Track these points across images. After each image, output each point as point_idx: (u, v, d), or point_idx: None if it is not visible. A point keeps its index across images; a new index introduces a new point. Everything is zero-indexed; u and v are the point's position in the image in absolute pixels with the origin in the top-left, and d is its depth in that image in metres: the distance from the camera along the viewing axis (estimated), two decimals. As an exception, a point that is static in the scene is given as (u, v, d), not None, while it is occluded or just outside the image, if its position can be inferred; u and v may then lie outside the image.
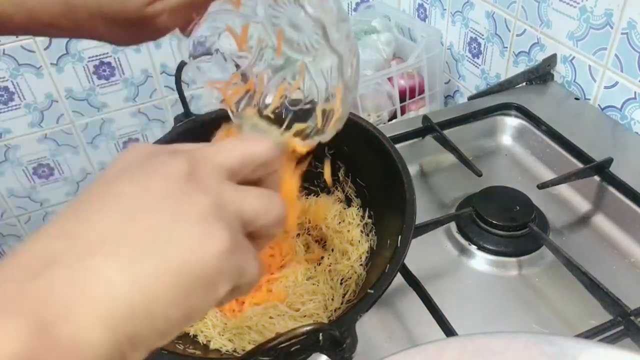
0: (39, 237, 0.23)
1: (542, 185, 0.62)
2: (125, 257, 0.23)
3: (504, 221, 0.58)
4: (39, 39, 0.98)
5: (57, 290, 0.21)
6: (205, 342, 0.47)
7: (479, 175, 0.64)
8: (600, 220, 0.62)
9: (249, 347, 0.45)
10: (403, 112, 1.05)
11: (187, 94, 1.15)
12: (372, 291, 0.39)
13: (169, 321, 0.23)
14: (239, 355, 0.45)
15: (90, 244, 0.23)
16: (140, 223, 0.24)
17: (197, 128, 0.57)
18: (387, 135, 0.71)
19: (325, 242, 0.56)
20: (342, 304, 0.49)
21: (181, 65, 0.55)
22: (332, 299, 0.49)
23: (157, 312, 0.23)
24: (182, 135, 0.56)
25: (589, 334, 0.47)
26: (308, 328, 0.33)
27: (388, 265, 0.41)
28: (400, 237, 0.43)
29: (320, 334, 0.35)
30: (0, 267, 0.22)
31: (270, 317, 0.47)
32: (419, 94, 1.04)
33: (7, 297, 0.21)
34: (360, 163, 0.56)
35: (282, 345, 0.32)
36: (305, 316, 0.48)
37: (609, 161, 0.63)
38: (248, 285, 0.27)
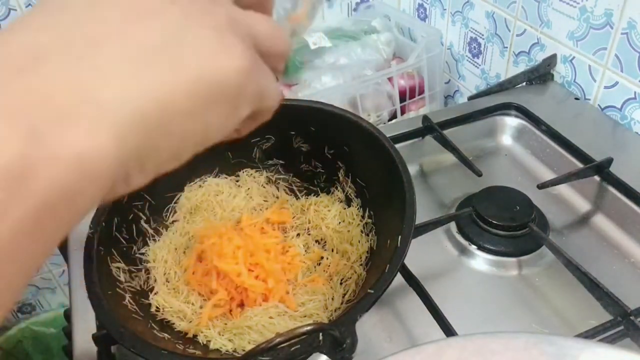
0: (14, 28, 0.19)
1: (542, 185, 0.62)
2: (134, 59, 0.19)
3: (504, 221, 0.58)
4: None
5: (50, 89, 0.17)
6: (205, 342, 0.47)
7: (479, 175, 0.64)
8: (600, 220, 0.62)
9: (249, 347, 0.45)
10: (403, 112, 1.05)
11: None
12: (372, 291, 0.39)
13: (185, 136, 0.20)
14: (239, 355, 0.45)
15: (89, 41, 0.19)
16: (150, 25, 0.20)
17: None
18: (387, 136, 0.72)
19: (325, 242, 0.56)
20: (342, 304, 0.49)
21: None
22: (332, 299, 0.49)
23: (172, 123, 0.20)
24: None
25: (589, 334, 0.47)
26: (308, 328, 0.33)
27: (388, 265, 0.41)
28: (400, 237, 0.43)
29: (321, 334, 0.35)
30: None
31: (270, 317, 0.47)
32: (419, 94, 1.04)
33: None
34: (360, 163, 0.56)
35: (282, 345, 0.32)
36: (305, 316, 0.48)
37: (609, 161, 0.63)
38: (267, 110, 0.25)
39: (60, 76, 0.17)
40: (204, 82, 0.20)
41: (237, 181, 0.61)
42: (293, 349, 0.35)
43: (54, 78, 0.17)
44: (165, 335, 0.44)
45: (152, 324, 0.45)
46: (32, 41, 0.18)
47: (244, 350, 0.45)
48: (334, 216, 0.56)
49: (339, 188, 0.59)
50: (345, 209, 0.57)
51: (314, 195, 0.60)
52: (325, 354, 0.35)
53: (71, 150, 0.17)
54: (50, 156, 0.17)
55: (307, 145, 0.60)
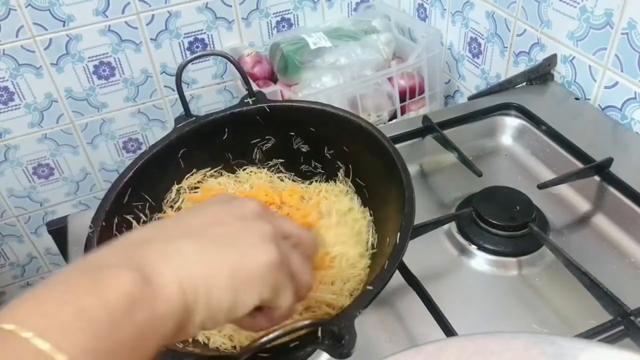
0: (138, 230, 0.33)
1: (542, 185, 0.62)
2: (201, 246, 0.31)
3: (504, 221, 0.58)
4: (39, 38, 0.99)
5: (152, 257, 0.29)
6: (205, 341, 0.47)
7: (479, 175, 0.64)
8: (601, 220, 0.62)
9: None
10: (403, 112, 1.05)
11: (186, 93, 1.15)
12: (370, 287, 0.39)
13: (220, 304, 0.30)
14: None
15: (178, 234, 0.32)
16: (219, 229, 0.33)
17: (197, 129, 0.57)
18: (387, 136, 0.72)
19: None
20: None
21: (182, 66, 0.55)
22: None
23: (213, 291, 0.30)
24: (184, 136, 0.56)
25: (589, 334, 0.47)
26: (306, 322, 0.33)
27: (387, 262, 0.41)
28: (399, 234, 0.43)
29: (319, 330, 0.35)
30: (106, 246, 0.30)
31: None
32: (419, 94, 1.04)
33: (118, 259, 0.29)
34: (360, 163, 0.56)
35: (280, 340, 0.32)
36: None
37: (609, 161, 0.63)
38: (278, 311, 0.34)
39: (158, 251, 0.30)
40: (239, 269, 0.31)
41: (237, 178, 0.61)
42: (292, 345, 0.35)
43: (154, 252, 0.30)
44: None
45: None
46: (145, 234, 0.32)
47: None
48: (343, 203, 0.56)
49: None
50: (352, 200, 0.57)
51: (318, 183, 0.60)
52: (324, 350, 0.35)
53: (161, 293, 0.28)
54: (152, 295, 0.28)
55: (307, 145, 0.60)
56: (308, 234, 0.38)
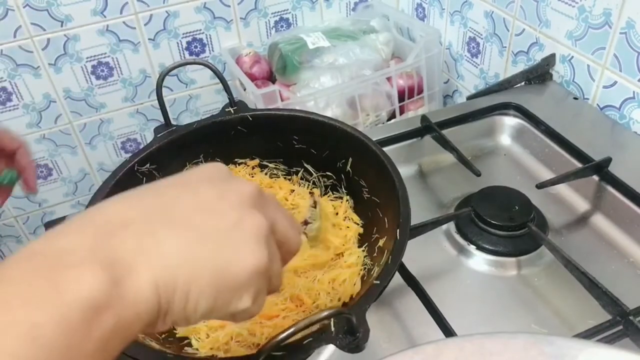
0: (116, 202, 0.28)
1: (541, 185, 0.62)
2: (186, 240, 0.27)
3: (502, 221, 0.58)
4: (36, 38, 0.98)
5: (126, 252, 0.25)
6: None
7: (478, 175, 0.64)
8: (599, 220, 0.62)
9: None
10: (402, 112, 1.05)
11: (185, 93, 1.15)
12: (377, 282, 0.39)
13: (196, 308, 0.27)
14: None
15: (162, 220, 0.27)
16: (209, 220, 0.28)
17: (178, 140, 0.57)
18: (386, 135, 0.72)
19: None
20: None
21: (162, 75, 0.55)
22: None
23: (191, 295, 0.27)
24: (164, 147, 0.56)
25: (588, 334, 0.47)
26: (325, 313, 0.32)
27: (390, 257, 0.42)
28: (398, 230, 0.44)
29: (332, 325, 0.35)
30: (75, 221, 0.26)
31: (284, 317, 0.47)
32: (417, 94, 1.04)
33: (85, 249, 0.24)
34: (353, 168, 0.56)
35: (299, 333, 0.32)
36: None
37: (608, 161, 0.63)
38: (247, 314, 0.30)
39: (134, 244, 0.26)
40: (223, 273, 0.27)
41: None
42: (305, 342, 0.35)
43: (129, 246, 0.25)
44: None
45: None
46: (124, 211, 0.27)
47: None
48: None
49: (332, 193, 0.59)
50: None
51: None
52: (337, 345, 0.35)
53: (132, 296, 0.24)
54: (120, 298, 0.24)
55: (292, 154, 0.60)
56: (297, 236, 0.34)
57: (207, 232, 0.28)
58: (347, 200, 0.57)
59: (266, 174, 0.61)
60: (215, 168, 0.32)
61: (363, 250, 0.52)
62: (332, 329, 0.35)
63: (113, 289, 0.24)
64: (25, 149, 0.67)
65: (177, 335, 0.47)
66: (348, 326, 0.35)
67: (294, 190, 0.59)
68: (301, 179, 0.61)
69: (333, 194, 0.58)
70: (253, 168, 0.61)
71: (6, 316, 0.21)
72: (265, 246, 0.29)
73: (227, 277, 0.27)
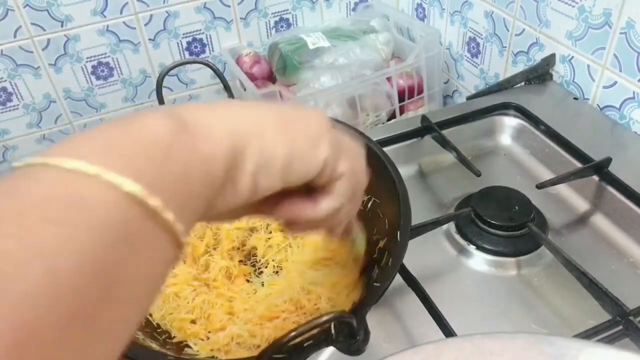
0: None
1: (541, 185, 0.62)
2: (257, 110, 0.28)
3: (502, 221, 0.58)
4: (37, 38, 0.98)
5: (200, 115, 0.26)
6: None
7: (478, 175, 0.64)
8: (599, 220, 0.62)
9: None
10: (402, 112, 1.05)
11: (185, 94, 1.15)
12: (378, 284, 0.39)
13: (275, 151, 0.27)
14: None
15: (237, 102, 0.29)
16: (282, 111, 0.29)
17: None
18: (386, 135, 0.72)
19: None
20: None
21: (162, 75, 0.55)
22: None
23: (266, 135, 0.27)
24: None
25: (588, 334, 0.47)
26: (326, 318, 0.32)
27: (391, 259, 0.41)
28: (399, 232, 0.43)
29: (332, 328, 0.35)
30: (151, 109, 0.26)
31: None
32: (417, 94, 1.04)
33: (160, 111, 0.25)
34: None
35: (300, 337, 0.32)
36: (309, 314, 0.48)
37: (608, 161, 0.63)
38: (331, 196, 0.31)
39: (207, 112, 0.27)
40: (297, 118, 0.29)
41: None
42: (306, 344, 0.35)
43: (203, 112, 0.26)
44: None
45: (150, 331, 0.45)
46: (197, 106, 0.27)
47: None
48: None
49: None
50: None
51: None
52: (337, 347, 0.35)
53: (204, 136, 0.25)
54: (192, 141, 0.24)
55: None
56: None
57: (290, 117, 0.29)
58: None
59: None
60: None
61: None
62: (333, 331, 0.35)
63: (182, 133, 0.24)
64: None
65: (174, 340, 0.47)
66: (348, 329, 0.35)
67: None
68: None
69: None
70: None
71: (109, 132, 0.23)
72: (330, 146, 0.30)
73: (299, 125, 0.29)
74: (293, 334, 0.31)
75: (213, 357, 0.44)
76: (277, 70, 1.07)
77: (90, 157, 0.21)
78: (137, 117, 0.24)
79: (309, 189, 0.32)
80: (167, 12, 1.04)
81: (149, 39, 1.06)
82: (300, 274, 0.49)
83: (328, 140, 0.29)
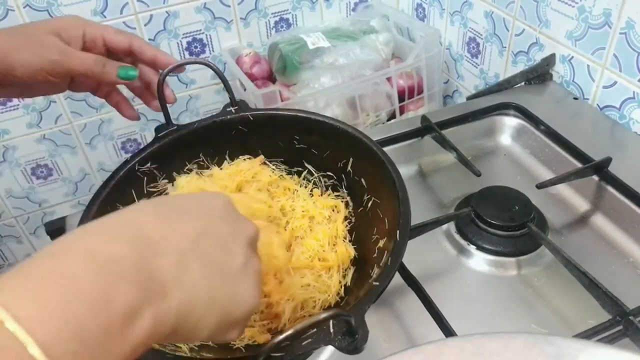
0: (147, 213, 0.30)
1: (541, 185, 0.62)
2: (210, 277, 0.30)
3: (502, 221, 0.58)
4: (37, 39, 0.98)
5: (163, 275, 0.27)
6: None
7: (478, 175, 0.64)
8: (599, 220, 0.62)
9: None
10: (402, 112, 1.05)
11: (185, 94, 1.15)
12: (377, 283, 0.39)
13: (199, 336, 0.30)
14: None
15: (192, 251, 0.29)
16: (227, 258, 0.31)
17: (179, 139, 0.56)
18: (386, 135, 0.72)
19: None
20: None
21: (164, 76, 0.55)
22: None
23: (200, 325, 0.29)
24: (165, 146, 0.56)
25: (588, 334, 0.47)
26: (324, 315, 0.32)
27: (390, 258, 0.41)
28: (398, 231, 0.44)
29: (331, 326, 0.35)
30: (119, 230, 0.28)
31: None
32: (417, 94, 1.04)
33: (132, 263, 0.26)
34: (353, 168, 0.56)
35: (298, 335, 0.32)
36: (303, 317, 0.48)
37: (608, 161, 0.63)
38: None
39: (169, 267, 0.28)
40: (231, 311, 0.31)
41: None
42: (304, 343, 0.35)
43: (166, 267, 0.28)
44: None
45: None
46: (160, 233, 0.29)
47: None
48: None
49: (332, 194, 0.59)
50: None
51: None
52: (336, 346, 0.35)
53: (160, 315, 0.26)
54: (152, 315, 0.26)
55: (292, 154, 0.59)
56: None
57: (225, 271, 0.31)
58: (347, 222, 0.56)
59: (272, 171, 0.61)
60: (225, 204, 0.34)
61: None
62: (331, 330, 0.35)
63: (148, 307, 0.26)
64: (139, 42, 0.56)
65: None
66: (347, 328, 0.35)
67: (297, 190, 0.59)
68: (302, 178, 0.61)
69: (334, 193, 0.58)
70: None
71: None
72: (259, 287, 0.33)
73: (232, 315, 0.31)
74: (291, 332, 0.31)
75: (213, 357, 0.44)
76: (277, 71, 1.07)
77: (13, 307, 0.21)
78: (113, 281, 0.25)
79: None
80: (167, 12, 1.04)
81: (149, 39, 1.06)
82: None
83: (242, 329, 0.33)
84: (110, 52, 0.55)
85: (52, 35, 0.50)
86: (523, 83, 0.84)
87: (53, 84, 0.54)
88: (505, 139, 0.76)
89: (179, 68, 0.56)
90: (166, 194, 0.57)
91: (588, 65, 0.77)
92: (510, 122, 0.76)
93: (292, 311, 0.47)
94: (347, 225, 0.55)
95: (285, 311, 0.47)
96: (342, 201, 0.57)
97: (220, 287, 0.30)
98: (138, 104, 0.71)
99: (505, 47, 0.92)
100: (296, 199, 0.57)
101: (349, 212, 0.56)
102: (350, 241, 0.54)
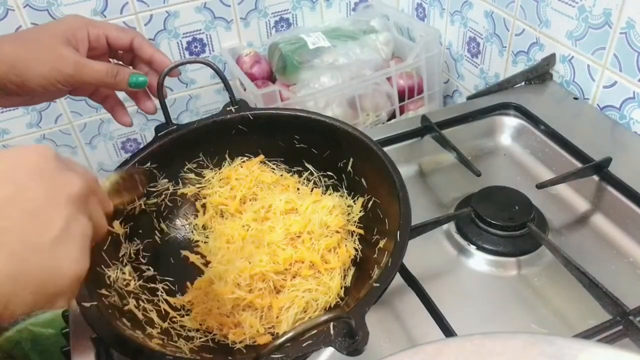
0: None
1: (541, 185, 0.62)
2: (14, 257, 0.27)
3: (503, 221, 0.58)
4: (37, 39, 0.98)
5: None
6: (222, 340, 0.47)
7: (478, 175, 0.64)
8: (599, 220, 0.62)
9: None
10: (402, 112, 1.05)
11: (185, 93, 1.15)
12: (377, 285, 0.39)
13: (13, 314, 0.28)
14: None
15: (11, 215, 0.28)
16: (38, 227, 0.29)
17: (179, 138, 0.57)
18: (386, 135, 0.72)
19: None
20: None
21: (163, 76, 0.55)
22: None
23: (11, 304, 0.27)
24: (165, 145, 0.56)
25: (588, 334, 0.47)
26: (325, 317, 0.32)
27: (390, 259, 0.41)
28: (398, 232, 0.43)
29: (332, 328, 0.35)
30: None
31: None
32: (417, 94, 1.04)
33: None
34: (354, 168, 0.56)
35: (299, 337, 0.32)
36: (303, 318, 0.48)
37: (608, 161, 0.63)
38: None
39: None
40: (49, 281, 0.29)
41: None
42: (305, 344, 0.35)
43: None
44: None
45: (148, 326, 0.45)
46: None
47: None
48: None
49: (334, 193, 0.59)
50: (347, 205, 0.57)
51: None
52: (336, 348, 0.35)
53: None
54: None
55: (293, 153, 0.59)
56: (105, 227, 0.35)
57: (35, 242, 0.28)
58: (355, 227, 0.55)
59: (272, 170, 0.61)
60: (40, 158, 0.31)
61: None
62: (332, 331, 0.35)
63: None
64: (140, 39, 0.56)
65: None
66: (347, 329, 0.35)
67: (299, 189, 0.59)
68: (303, 178, 0.61)
69: (334, 193, 0.58)
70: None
71: None
72: (87, 252, 0.31)
73: (49, 287, 0.29)
74: (292, 334, 0.31)
75: (214, 357, 0.44)
76: (277, 70, 1.07)
77: None
78: None
79: None
80: (167, 12, 1.04)
81: (149, 39, 1.06)
82: None
83: (68, 297, 0.31)
84: (112, 49, 0.56)
85: (66, 45, 0.50)
86: (523, 83, 0.84)
87: (60, 93, 0.54)
88: (505, 139, 0.76)
89: (173, 71, 0.56)
90: (166, 194, 0.57)
91: (588, 65, 0.77)
92: (510, 122, 0.76)
93: (293, 316, 0.47)
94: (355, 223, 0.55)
95: (287, 316, 0.47)
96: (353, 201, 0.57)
97: (30, 260, 0.28)
98: (138, 104, 0.70)
99: (505, 47, 0.92)
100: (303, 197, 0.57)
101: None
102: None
